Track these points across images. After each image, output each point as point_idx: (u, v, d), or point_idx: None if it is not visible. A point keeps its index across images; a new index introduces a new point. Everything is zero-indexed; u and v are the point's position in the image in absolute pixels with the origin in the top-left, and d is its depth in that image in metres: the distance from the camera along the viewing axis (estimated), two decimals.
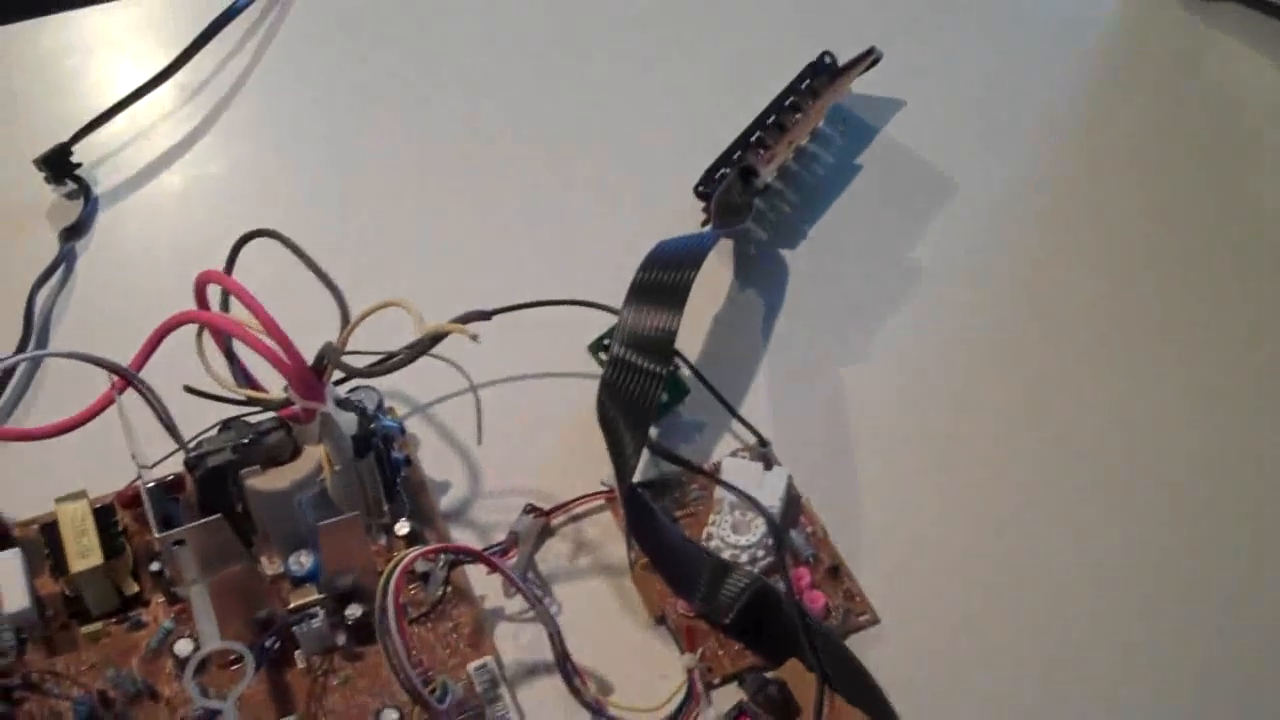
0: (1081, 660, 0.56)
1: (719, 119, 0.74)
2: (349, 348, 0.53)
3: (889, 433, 0.64)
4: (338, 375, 0.57)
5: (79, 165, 0.73)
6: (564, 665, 0.53)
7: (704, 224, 0.69)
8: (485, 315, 0.56)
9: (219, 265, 0.64)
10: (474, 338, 0.51)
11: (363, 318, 0.51)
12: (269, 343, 0.50)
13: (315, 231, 0.68)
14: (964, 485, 0.62)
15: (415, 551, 0.51)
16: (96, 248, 0.72)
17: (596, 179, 0.75)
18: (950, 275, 0.71)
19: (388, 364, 0.58)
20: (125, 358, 0.53)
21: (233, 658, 0.54)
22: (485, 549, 0.57)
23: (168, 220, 0.73)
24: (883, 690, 0.52)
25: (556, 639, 0.53)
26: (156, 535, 0.50)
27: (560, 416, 0.64)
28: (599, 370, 0.63)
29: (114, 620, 0.57)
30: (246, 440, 0.55)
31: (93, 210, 0.73)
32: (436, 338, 0.54)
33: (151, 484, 0.55)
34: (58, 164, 0.73)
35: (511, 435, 0.62)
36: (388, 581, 0.49)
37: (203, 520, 0.51)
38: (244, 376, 0.58)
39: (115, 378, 0.53)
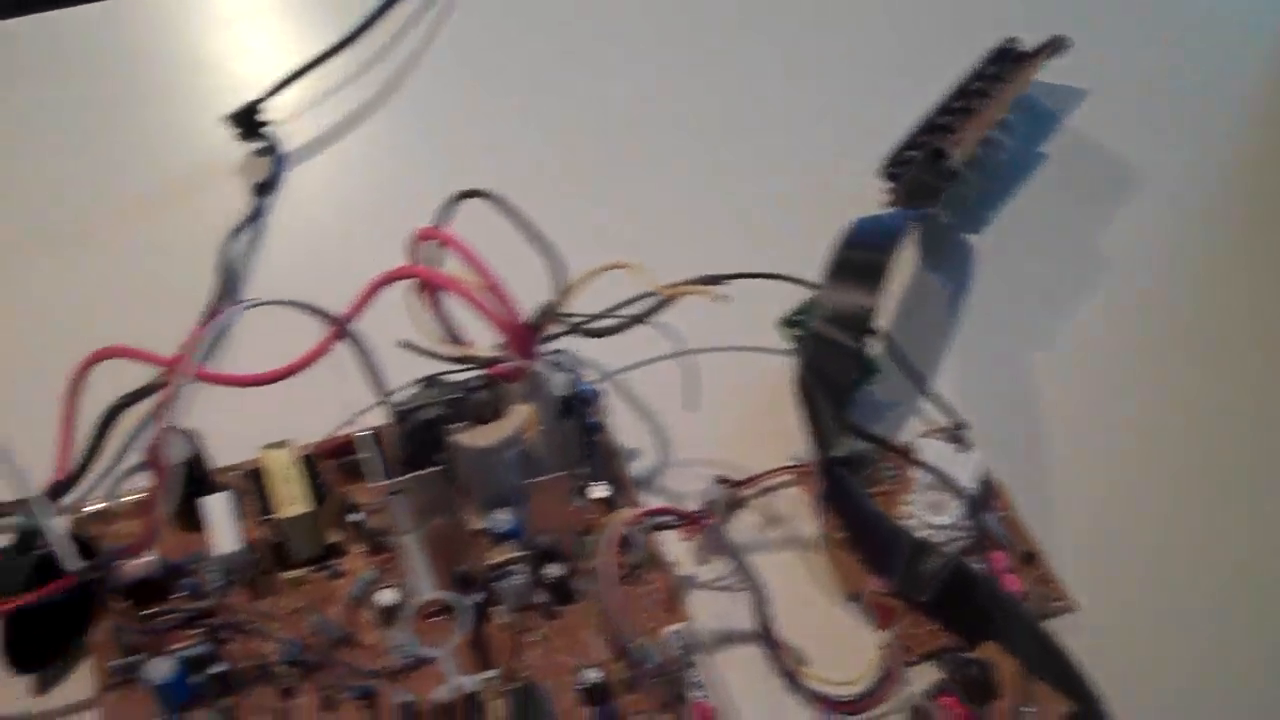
0: None
1: (897, 101, 0.74)
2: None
3: (1081, 420, 0.63)
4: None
5: (268, 123, 0.74)
6: (766, 632, 0.53)
7: (889, 204, 0.69)
8: (715, 280, 0.56)
9: (404, 225, 0.64)
10: (719, 299, 0.52)
11: (589, 276, 0.51)
12: (487, 300, 0.51)
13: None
14: (1157, 474, 0.62)
15: (637, 510, 0.51)
16: (285, 204, 0.73)
17: (777, 156, 0.75)
18: (1139, 267, 0.70)
19: (607, 325, 0.58)
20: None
21: (434, 609, 0.55)
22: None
23: (354, 179, 0.74)
24: (1087, 676, 0.52)
25: (761, 606, 0.53)
26: (380, 483, 0.51)
27: (748, 390, 0.64)
28: (787, 345, 0.64)
29: (313, 568, 0.58)
30: (457, 396, 0.55)
31: (281, 168, 0.74)
32: (667, 300, 0.55)
33: (369, 433, 0.56)
34: (247, 121, 0.74)
35: (699, 406, 0.63)
36: (608, 538, 0.50)
37: (426, 470, 0.52)
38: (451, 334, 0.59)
39: (329, 329, 0.54)
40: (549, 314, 0.52)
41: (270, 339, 0.57)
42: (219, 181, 0.74)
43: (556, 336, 0.60)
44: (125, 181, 0.74)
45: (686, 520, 0.54)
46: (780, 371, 0.64)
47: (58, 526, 0.53)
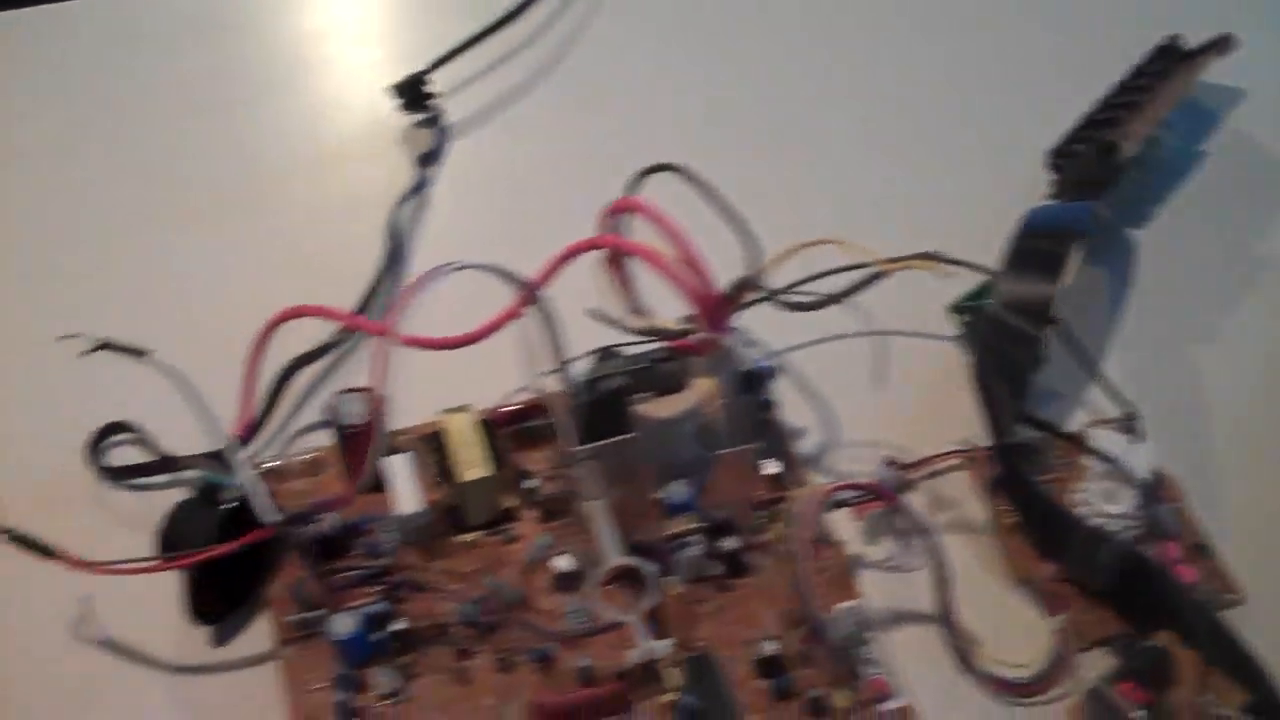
0: None
1: (1059, 97, 0.74)
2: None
3: (1249, 414, 0.63)
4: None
5: (433, 95, 0.75)
6: (945, 611, 0.54)
7: (1053, 195, 0.69)
8: (930, 256, 0.56)
9: (580, 198, 0.65)
10: (945, 273, 0.52)
11: (794, 250, 0.52)
12: (682, 272, 0.52)
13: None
14: None
15: (833, 483, 0.52)
16: (449, 175, 0.74)
17: (944, 146, 0.76)
18: None
19: (803, 300, 0.59)
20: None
21: (616, 576, 0.55)
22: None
23: (523, 153, 0.75)
24: (1265, 666, 0.52)
25: (943, 585, 0.54)
26: (575, 448, 0.52)
27: (912, 374, 0.64)
28: (955, 331, 0.64)
29: (487, 533, 0.59)
30: (643, 366, 0.56)
31: (444, 139, 0.75)
32: (871, 278, 0.55)
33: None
34: (413, 92, 0.75)
35: (865, 389, 0.63)
36: (804, 510, 0.50)
37: (621, 437, 0.52)
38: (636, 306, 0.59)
39: (515, 296, 0.55)
40: (745, 287, 0.53)
41: (442, 305, 0.58)
42: (383, 152, 0.74)
43: (744, 309, 0.60)
44: (293, 150, 0.75)
45: (877, 496, 0.54)
46: (944, 356, 0.64)
47: (254, 480, 0.54)
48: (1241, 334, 0.67)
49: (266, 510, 0.53)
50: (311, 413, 0.64)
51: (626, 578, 0.54)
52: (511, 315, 0.55)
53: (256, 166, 0.74)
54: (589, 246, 0.54)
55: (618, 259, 0.56)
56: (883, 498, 0.54)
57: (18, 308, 0.67)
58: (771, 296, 0.57)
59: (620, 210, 0.54)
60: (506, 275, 0.53)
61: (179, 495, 0.59)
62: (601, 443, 0.52)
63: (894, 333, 0.65)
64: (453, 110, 0.77)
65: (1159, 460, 0.59)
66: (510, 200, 0.72)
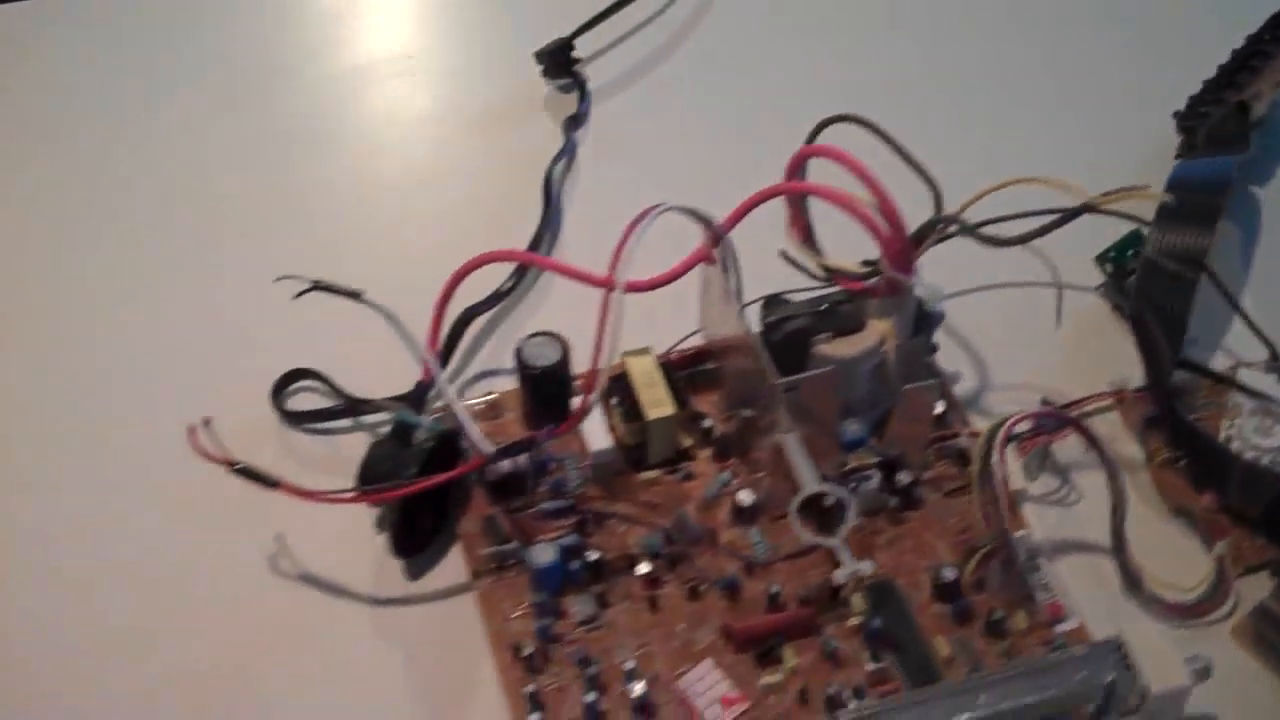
0: None
1: (1183, 57, 0.77)
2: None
3: None
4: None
5: (578, 60, 0.78)
6: (1118, 538, 0.57)
7: (1182, 155, 0.72)
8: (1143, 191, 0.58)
9: (720, 160, 0.68)
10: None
11: (995, 189, 0.55)
12: (874, 215, 0.54)
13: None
14: None
15: (1022, 412, 0.55)
16: (595, 138, 0.77)
17: (1076, 106, 0.79)
18: None
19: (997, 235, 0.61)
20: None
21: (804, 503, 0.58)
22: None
23: (663, 114, 0.78)
24: None
25: (1118, 513, 0.57)
26: (778, 380, 0.54)
27: (1062, 322, 0.67)
28: (1100, 279, 0.67)
29: (665, 471, 0.62)
30: (823, 308, 0.59)
31: (588, 103, 0.78)
32: (1090, 207, 0.57)
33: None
34: (558, 58, 0.78)
35: (1016, 336, 0.66)
36: (993, 436, 0.54)
37: (819, 370, 0.55)
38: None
39: (706, 240, 0.57)
40: (934, 227, 0.55)
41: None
42: (532, 116, 0.78)
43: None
44: (450, 113, 0.79)
45: (1062, 426, 0.57)
46: (1089, 305, 0.67)
47: (466, 413, 0.57)
48: None
49: (480, 442, 0.56)
50: (483, 359, 0.67)
51: (812, 508, 0.57)
52: (700, 258, 0.58)
53: (418, 129, 0.78)
54: (776, 193, 0.57)
55: (799, 206, 0.59)
56: (1079, 430, 0.57)
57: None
58: (966, 230, 0.59)
59: (806, 156, 0.57)
60: (703, 218, 0.56)
61: (366, 438, 0.62)
62: (801, 375, 0.55)
63: (1044, 283, 0.68)
64: (593, 75, 0.79)
65: None
66: (647, 159, 0.75)
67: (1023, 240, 0.59)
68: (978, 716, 0.49)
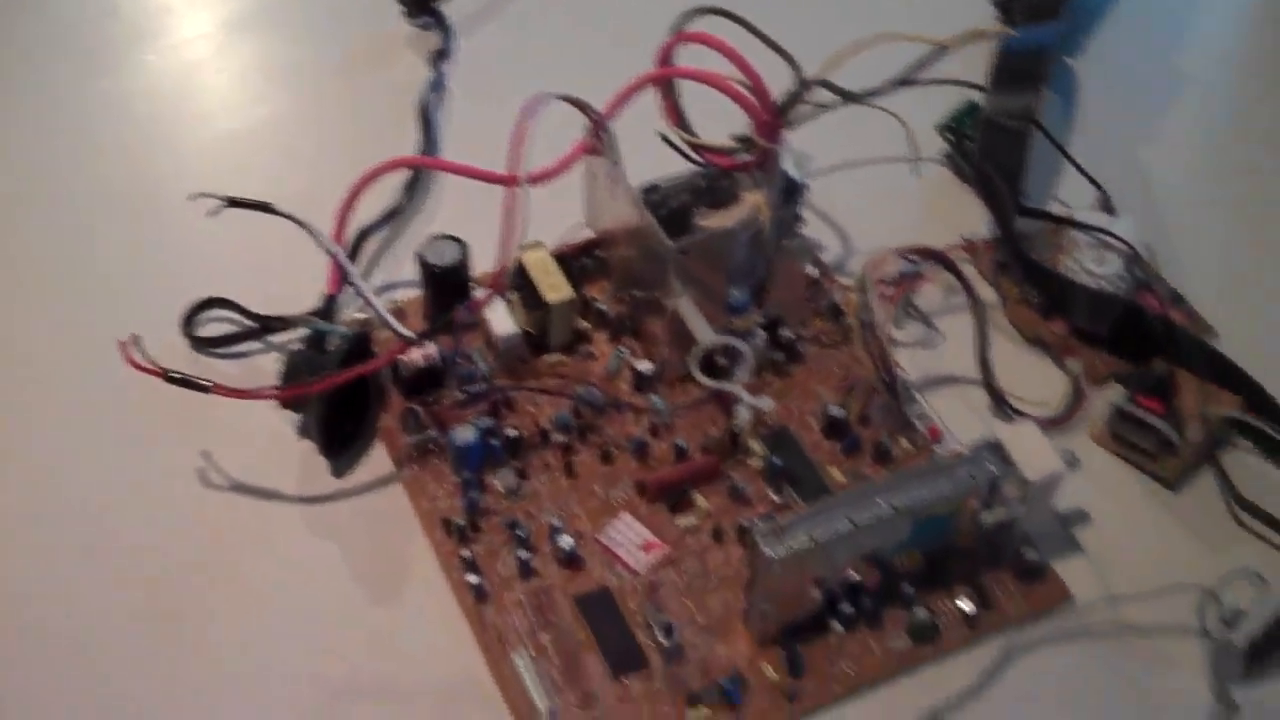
0: None
1: None
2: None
3: (1195, 190, 0.76)
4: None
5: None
6: (984, 359, 0.63)
7: (1003, 30, 0.78)
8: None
9: (587, 72, 0.72)
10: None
11: (854, 49, 0.60)
12: (741, 90, 0.59)
13: None
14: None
15: (889, 250, 0.60)
16: (464, 68, 0.81)
17: None
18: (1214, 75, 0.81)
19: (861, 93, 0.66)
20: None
21: (681, 375, 0.64)
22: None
23: (527, 37, 0.83)
24: (1248, 374, 0.62)
25: (983, 335, 0.63)
26: (671, 243, 0.59)
27: (909, 188, 0.73)
28: (943, 147, 0.73)
29: (568, 354, 0.66)
30: (700, 184, 0.64)
31: (452, 36, 0.82)
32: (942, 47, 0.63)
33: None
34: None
35: (873, 204, 0.72)
36: (865, 276, 0.59)
37: (708, 232, 0.60)
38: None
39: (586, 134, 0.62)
40: (798, 96, 0.61)
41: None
42: (396, 54, 0.82)
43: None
44: (316, 59, 0.83)
45: (930, 259, 0.62)
46: (934, 171, 0.74)
47: (383, 308, 0.61)
48: (1176, 125, 0.80)
49: (400, 329, 0.60)
50: (383, 274, 0.71)
51: (708, 367, 0.62)
52: (586, 148, 0.63)
53: (294, 77, 0.82)
54: (655, 79, 0.62)
55: (671, 92, 0.63)
56: (943, 264, 0.63)
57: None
58: (824, 88, 0.64)
59: (674, 46, 0.61)
60: (585, 107, 0.60)
61: (280, 357, 0.65)
62: (690, 238, 0.60)
63: (891, 158, 0.73)
64: (454, 10, 0.83)
65: (1133, 229, 0.69)
66: (511, 86, 0.78)
67: (878, 93, 0.65)
68: (878, 516, 0.54)
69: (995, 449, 0.57)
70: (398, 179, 0.73)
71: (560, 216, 0.68)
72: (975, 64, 0.73)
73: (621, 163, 0.63)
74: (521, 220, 0.58)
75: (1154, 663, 0.58)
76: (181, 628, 0.58)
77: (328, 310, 0.66)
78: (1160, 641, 0.58)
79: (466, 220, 0.65)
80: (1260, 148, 0.79)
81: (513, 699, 0.56)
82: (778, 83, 0.61)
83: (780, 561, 0.53)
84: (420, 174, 0.74)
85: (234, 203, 0.61)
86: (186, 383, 0.59)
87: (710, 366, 0.62)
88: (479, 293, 0.64)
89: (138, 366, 0.59)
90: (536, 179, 0.60)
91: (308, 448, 0.63)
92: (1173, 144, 0.79)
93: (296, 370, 0.63)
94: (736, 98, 0.59)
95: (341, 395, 0.62)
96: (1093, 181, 0.71)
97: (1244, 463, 0.63)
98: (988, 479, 0.56)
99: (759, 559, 0.53)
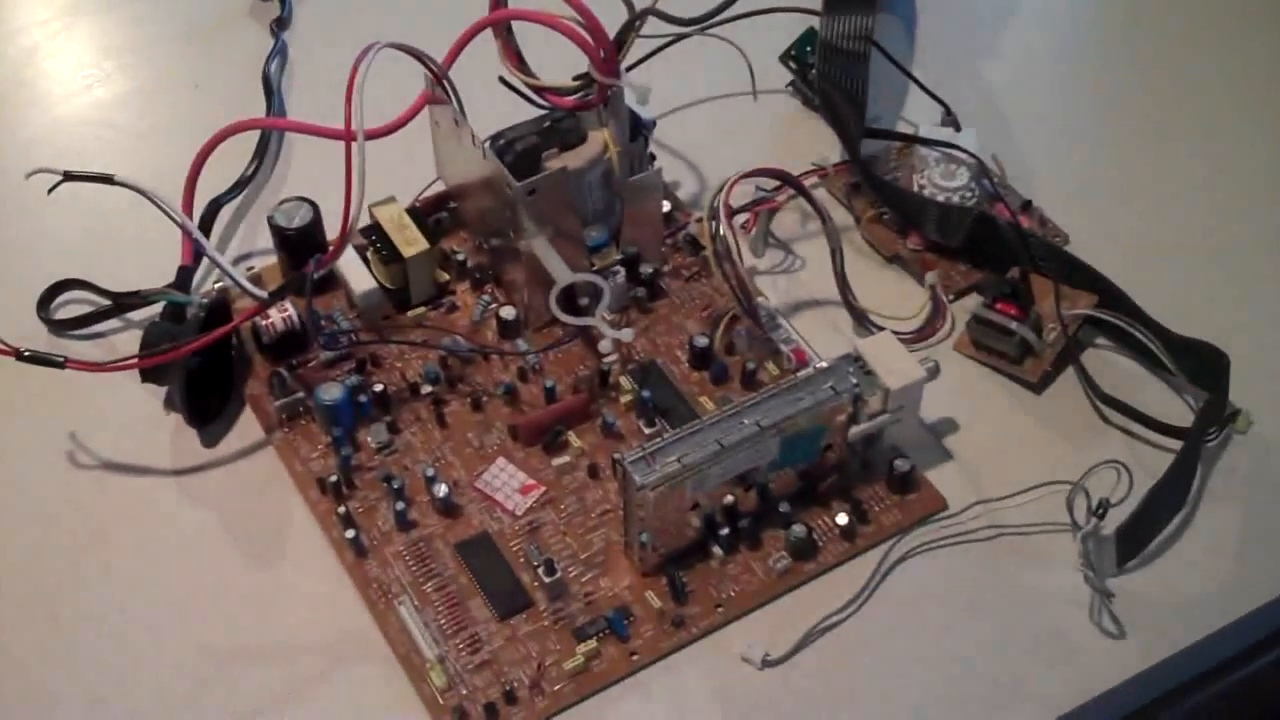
0: None
1: None
2: None
3: (1038, 101, 0.77)
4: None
5: None
6: (844, 287, 0.64)
7: None
8: None
9: (424, 26, 0.72)
10: None
11: None
12: (576, 28, 0.59)
13: None
14: (1118, 123, 0.75)
15: (736, 175, 0.61)
16: (305, 35, 0.81)
17: None
18: None
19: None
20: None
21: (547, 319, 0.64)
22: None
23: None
24: (1103, 275, 0.64)
25: (838, 255, 0.64)
26: (519, 183, 0.59)
27: (760, 116, 0.73)
28: (788, 76, 0.74)
29: (431, 308, 0.66)
30: (546, 125, 0.64)
31: (290, 5, 0.81)
32: None
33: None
34: None
35: (722, 138, 0.73)
36: (716, 202, 0.60)
37: (554, 170, 0.61)
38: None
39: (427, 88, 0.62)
40: (633, 26, 0.61)
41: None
42: (238, 25, 0.81)
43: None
44: (157, 35, 0.82)
45: (780, 182, 0.63)
46: (780, 101, 0.74)
47: (234, 269, 0.61)
48: (1015, 37, 0.81)
49: (253, 290, 0.60)
50: (237, 245, 0.70)
51: (569, 306, 0.62)
52: (427, 98, 0.63)
53: (140, 52, 0.81)
54: (488, 24, 0.61)
55: (507, 36, 0.63)
56: (788, 183, 0.63)
57: None
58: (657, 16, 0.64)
59: None
60: (416, 54, 0.60)
61: (139, 333, 0.64)
62: (536, 177, 0.60)
63: (736, 93, 0.74)
64: None
65: (979, 142, 0.70)
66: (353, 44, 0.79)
67: (714, 14, 0.65)
68: (744, 435, 0.55)
69: (854, 360, 0.57)
70: (248, 147, 0.72)
71: (418, 172, 0.67)
72: None
73: (463, 109, 0.63)
74: (365, 175, 0.57)
75: (1031, 560, 0.59)
76: (63, 610, 0.58)
77: (184, 282, 0.65)
78: (1035, 539, 0.59)
79: (320, 183, 0.65)
80: (1100, 53, 0.82)
81: (401, 650, 0.55)
82: (613, 21, 0.62)
83: (651, 487, 0.53)
84: (269, 140, 0.73)
85: (71, 176, 0.60)
86: (40, 360, 0.58)
87: (573, 308, 0.62)
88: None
89: None
90: (375, 133, 0.60)
91: (176, 421, 0.62)
92: (1012, 56, 0.80)
93: (155, 341, 0.62)
94: (570, 34, 0.59)
95: (204, 365, 0.61)
96: (935, 98, 0.72)
97: (1103, 359, 0.65)
98: (849, 390, 0.57)
99: (630, 486, 0.54)
